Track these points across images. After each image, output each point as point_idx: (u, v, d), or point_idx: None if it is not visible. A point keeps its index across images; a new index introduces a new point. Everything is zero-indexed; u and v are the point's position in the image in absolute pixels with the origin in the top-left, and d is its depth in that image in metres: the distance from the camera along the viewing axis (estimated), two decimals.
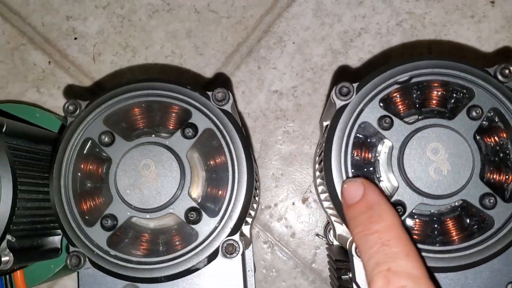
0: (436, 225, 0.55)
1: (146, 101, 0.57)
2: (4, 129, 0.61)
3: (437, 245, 0.53)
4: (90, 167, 0.58)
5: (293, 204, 0.81)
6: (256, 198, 0.67)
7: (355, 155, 0.55)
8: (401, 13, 0.82)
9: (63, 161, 0.56)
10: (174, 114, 0.59)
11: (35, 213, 0.65)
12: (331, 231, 0.72)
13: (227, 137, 0.56)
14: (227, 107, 0.56)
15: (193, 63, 0.84)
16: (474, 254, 0.52)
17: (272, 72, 0.83)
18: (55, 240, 0.71)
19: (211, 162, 0.58)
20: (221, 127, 0.56)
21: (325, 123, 0.67)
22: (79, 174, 0.57)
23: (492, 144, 0.55)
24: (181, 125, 0.58)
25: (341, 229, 0.65)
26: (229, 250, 0.54)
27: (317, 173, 0.67)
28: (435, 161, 0.52)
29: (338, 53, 0.82)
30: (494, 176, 0.54)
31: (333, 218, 0.66)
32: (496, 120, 0.54)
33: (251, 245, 0.64)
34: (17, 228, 0.61)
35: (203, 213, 0.55)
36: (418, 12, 0.82)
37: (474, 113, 0.52)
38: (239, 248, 0.54)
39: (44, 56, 0.86)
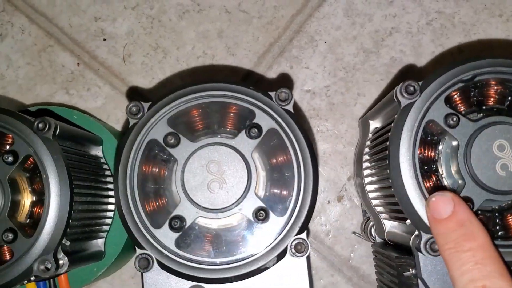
0: (497, 220, 0.56)
1: (209, 102, 0.57)
2: (57, 132, 0.60)
3: (499, 240, 0.54)
4: (154, 168, 0.58)
5: (329, 202, 0.81)
6: None
7: (419, 153, 0.55)
8: (431, 13, 0.83)
9: (128, 163, 0.55)
10: (233, 115, 0.59)
11: (85, 216, 0.64)
12: (373, 229, 0.73)
13: (292, 137, 0.56)
14: (289, 107, 0.57)
15: (225, 64, 0.84)
16: None
17: (305, 72, 0.83)
18: (99, 243, 0.70)
19: (273, 161, 0.59)
20: (285, 126, 0.56)
21: (372, 123, 0.68)
22: (143, 176, 0.56)
23: None
24: (240, 125, 0.58)
25: (389, 225, 0.66)
26: (298, 249, 0.55)
27: (367, 172, 0.67)
28: (501, 158, 0.53)
29: (370, 52, 0.83)
30: None
31: (381, 216, 0.66)
32: None
33: None
34: (70, 232, 0.61)
35: (270, 212, 0.55)
36: (447, 11, 0.83)
37: None
38: (308, 246, 0.55)
39: (72, 57, 0.85)
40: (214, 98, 0.56)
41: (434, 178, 0.56)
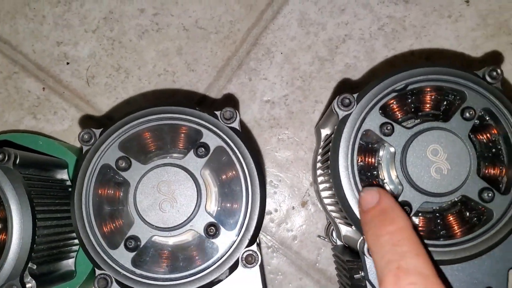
0: (439, 221, 0.59)
1: (158, 125, 0.59)
2: (17, 161, 0.63)
3: (441, 239, 0.57)
4: (109, 191, 0.60)
5: (293, 208, 0.84)
6: None
7: (359, 161, 0.58)
8: (382, 18, 0.86)
9: (82, 189, 0.58)
10: (183, 135, 0.61)
11: (51, 239, 0.67)
12: (334, 232, 0.75)
13: (238, 153, 0.59)
14: (235, 125, 0.59)
15: (185, 80, 0.86)
16: (477, 245, 0.56)
17: (263, 83, 0.86)
18: (69, 262, 0.73)
19: (223, 178, 0.61)
20: (231, 144, 0.59)
21: (323, 131, 0.70)
22: (98, 199, 0.59)
23: (485, 141, 0.59)
24: (191, 145, 0.61)
25: (345, 230, 0.68)
26: (248, 260, 0.57)
27: (320, 179, 0.70)
28: (435, 162, 0.55)
29: (324, 60, 0.86)
30: (490, 171, 0.58)
31: (337, 220, 0.69)
32: (487, 118, 0.58)
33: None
34: (36, 255, 0.63)
35: (220, 227, 0.58)
36: (398, 15, 0.86)
37: (467, 114, 0.56)
38: (258, 257, 0.57)
39: (37, 83, 0.87)
40: (161, 121, 0.59)
41: (376, 184, 0.59)
